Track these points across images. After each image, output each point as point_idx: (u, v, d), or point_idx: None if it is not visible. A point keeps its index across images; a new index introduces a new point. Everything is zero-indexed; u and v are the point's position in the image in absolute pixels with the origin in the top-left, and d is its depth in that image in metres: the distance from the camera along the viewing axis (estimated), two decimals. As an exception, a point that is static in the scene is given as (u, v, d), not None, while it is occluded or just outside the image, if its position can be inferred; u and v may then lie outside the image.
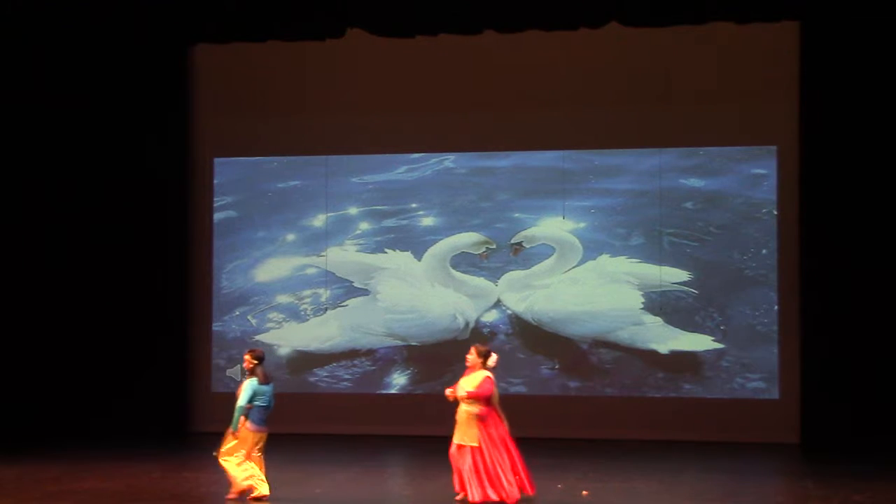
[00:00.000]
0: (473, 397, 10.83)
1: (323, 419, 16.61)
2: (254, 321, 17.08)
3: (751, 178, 16.14)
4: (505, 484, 10.79)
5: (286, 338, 17.04)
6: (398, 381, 16.78)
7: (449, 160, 16.89)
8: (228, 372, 16.98)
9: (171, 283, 16.88)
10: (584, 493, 11.70)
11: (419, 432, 16.29)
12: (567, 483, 12.34)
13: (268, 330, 17.07)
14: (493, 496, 10.74)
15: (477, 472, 10.79)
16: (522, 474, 10.98)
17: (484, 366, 10.97)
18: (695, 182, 16.27)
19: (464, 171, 16.84)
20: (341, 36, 15.35)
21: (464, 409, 10.93)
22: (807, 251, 15.60)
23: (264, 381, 11.16)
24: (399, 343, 16.78)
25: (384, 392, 16.81)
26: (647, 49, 16.09)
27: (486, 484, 10.76)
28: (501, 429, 10.98)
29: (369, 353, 16.86)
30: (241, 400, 11.04)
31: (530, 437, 15.90)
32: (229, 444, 11.14)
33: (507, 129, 16.63)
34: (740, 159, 16.18)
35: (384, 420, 16.59)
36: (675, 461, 14.35)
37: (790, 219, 15.82)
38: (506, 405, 16.24)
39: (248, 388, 11.08)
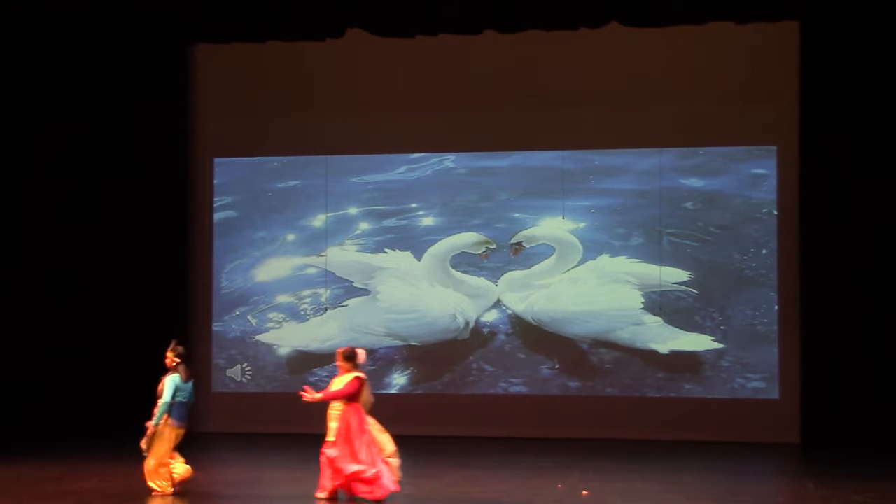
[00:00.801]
0: (331, 398, 10.99)
1: (323, 419, 16.54)
2: (254, 321, 17.09)
3: (751, 178, 16.14)
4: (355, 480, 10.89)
5: (286, 338, 17.04)
6: (398, 381, 16.78)
7: (449, 160, 16.89)
8: (228, 372, 16.99)
9: (171, 283, 16.88)
10: (584, 492, 11.70)
11: (419, 432, 16.28)
12: (567, 483, 12.34)
13: (268, 330, 17.07)
14: (362, 489, 10.87)
15: (331, 464, 10.91)
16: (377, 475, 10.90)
17: (355, 367, 11.05)
18: (695, 182, 16.27)
19: (464, 171, 16.84)
20: (341, 36, 15.36)
21: (334, 407, 11.08)
22: (807, 251, 15.59)
23: (186, 378, 11.38)
24: (399, 343, 16.79)
25: (384, 392, 16.80)
26: (647, 49, 16.09)
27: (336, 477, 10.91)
28: (359, 425, 11.01)
29: (369, 353, 16.80)
30: (166, 396, 11.21)
31: (530, 437, 16.03)
32: (156, 442, 11.29)
33: (507, 129, 16.63)
34: (740, 159, 16.18)
35: (384, 420, 16.50)
36: (675, 461, 14.35)
37: (790, 219, 15.81)
38: (506, 405, 16.43)
39: (170, 383, 11.27)
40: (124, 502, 11.24)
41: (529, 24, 15.01)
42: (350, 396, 10.93)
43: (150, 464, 11.38)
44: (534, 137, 16.58)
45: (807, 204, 15.62)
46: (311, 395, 11.05)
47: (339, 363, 11.13)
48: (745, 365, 15.93)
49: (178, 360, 11.40)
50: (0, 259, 16.55)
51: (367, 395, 11.14)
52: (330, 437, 10.99)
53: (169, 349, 11.49)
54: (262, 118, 17.15)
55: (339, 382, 11.06)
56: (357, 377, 10.98)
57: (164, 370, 11.63)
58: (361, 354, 11.14)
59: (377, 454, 11.00)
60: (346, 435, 10.90)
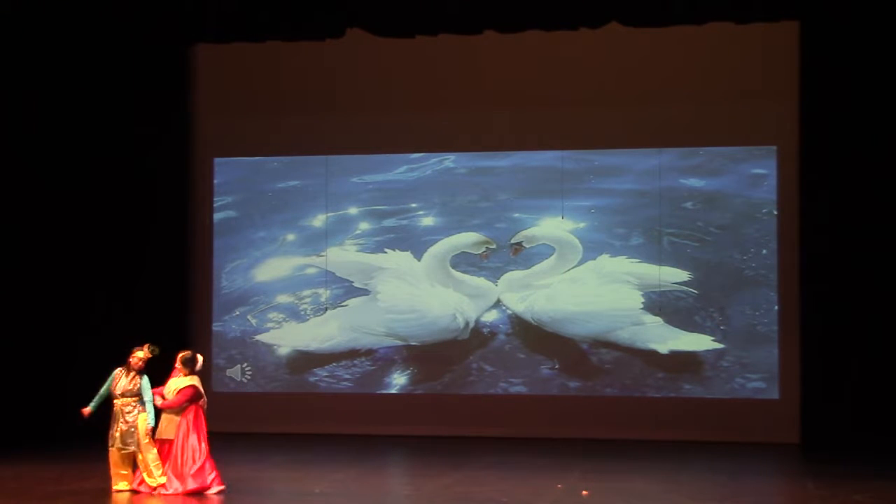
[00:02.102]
0: (166, 406, 11.53)
1: (323, 419, 16.61)
2: (254, 321, 17.09)
3: (751, 178, 16.14)
4: (191, 475, 11.41)
5: (286, 338, 17.04)
6: (398, 381, 16.78)
7: (449, 160, 16.90)
8: (228, 372, 16.99)
9: (171, 283, 16.87)
10: (584, 492, 11.70)
11: (419, 432, 16.32)
12: (567, 483, 12.34)
13: (268, 330, 17.07)
14: (192, 485, 11.39)
15: (174, 464, 11.44)
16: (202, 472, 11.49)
17: (192, 372, 11.60)
18: (695, 182, 16.27)
19: (464, 171, 16.85)
20: (341, 36, 15.35)
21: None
22: (807, 251, 15.60)
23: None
24: (399, 343, 16.79)
25: (384, 392, 16.81)
26: (648, 49, 16.09)
27: (183, 475, 11.40)
28: (197, 424, 11.54)
29: (369, 353, 16.85)
30: (148, 395, 11.62)
31: (530, 437, 16.03)
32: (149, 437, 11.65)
33: (507, 129, 16.63)
34: (740, 159, 16.19)
35: (384, 420, 16.60)
36: (675, 461, 14.35)
37: (790, 219, 15.82)
38: (506, 405, 16.43)
39: (147, 383, 11.69)
40: (124, 502, 11.25)
41: (529, 24, 15.00)
42: (188, 401, 11.51)
43: (149, 457, 11.56)
44: (534, 137, 16.58)
45: (807, 204, 15.62)
46: (158, 402, 11.59)
47: (178, 367, 11.64)
48: (745, 365, 15.93)
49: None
50: (1, 260, 16.55)
51: (200, 395, 11.70)
52: (163, 435, 11.54)
53: (147, 351, 11.75)
54: (262, 118, 17.15)
55: (174, 384, 11.56)
56: (192, 386, 11.51)
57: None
58: (200, 361, 11.75)
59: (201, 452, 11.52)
60: (186, 433, 11.46)
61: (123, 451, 11.57)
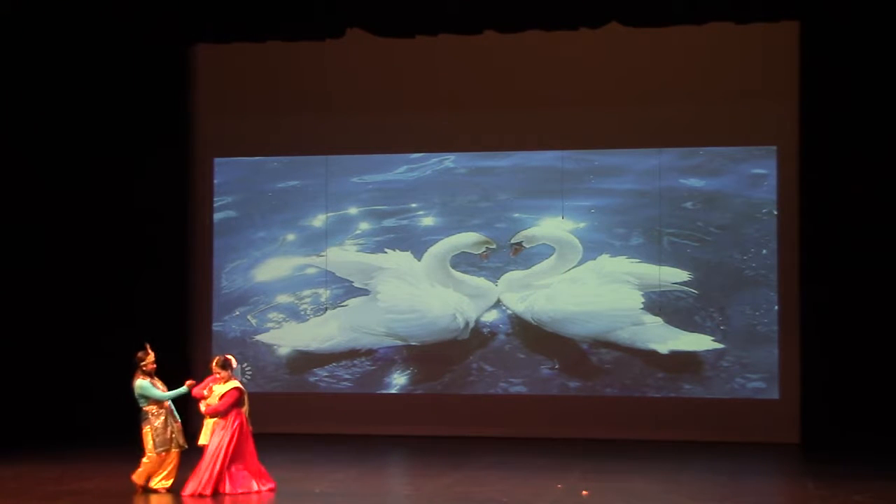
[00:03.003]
0: (212, 412, 11.50)
1: (323, 419, 16.61)
2: (254, 321, 17.09)
3: (751, 178, 16.14)
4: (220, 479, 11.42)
5: (286, 338, 17.04)
6: (398, 381, 16.78)
7: (449, 160, 16.90)
8: (229, 372, 16.96)
9: (171, 283, 16.87)
10: (584, 492, 11.70)
11: (419, 432, 16.32)
12: (567, 483, 12.35)
13: (268, 330, 17.07)
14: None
15: (211, 467, 11.39)
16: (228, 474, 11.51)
17: (232, 375, 11.64)
18: (695, 182, 16.27)
19: (464, 171, 16.85)
20: (341, 36, 15.36)
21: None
22: (807, 251, 15.61)
23: None
24: (399, 343, 16.79)
25: (384, 392, 16.82)
26: (647, 49, 16.09)
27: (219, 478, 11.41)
28: (236, 429, 11.52)
29: (369, 353, 16.85)
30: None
31: (530, 437, 16.04)
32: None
33: (507, 129, 16.63)
34: (740, 159, 16.19)
35: (384, 420, 16.61)
36: (675, 461, 14.35)
37: (790, 219, 15.82)
38: (506, 405, 16.44)
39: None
40: (124, 502, 11.25)
41: (529, 24, 15.01)
42: (233, 404, 11.51)
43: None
44: (534, 137, 16.58)
45: (807, 204, 15.63)
46: (202, 409, 11.61)
47: (218, 373, 11.65)
48: (745, 365, 15.93)
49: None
50: (0, 260, 16.56)
51: (243, 399, 11.71)
52: (203, 441, 11.56)
53: (152, 355, 11.81)
54: (261, 118, 17.15)
55: (218, 390, 11.55)
56: (237, 388, 11.52)
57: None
58: (234, 362, 11.78)
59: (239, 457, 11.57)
60: (231, 438, 11.44)
61: (177, 451, 11.67)
